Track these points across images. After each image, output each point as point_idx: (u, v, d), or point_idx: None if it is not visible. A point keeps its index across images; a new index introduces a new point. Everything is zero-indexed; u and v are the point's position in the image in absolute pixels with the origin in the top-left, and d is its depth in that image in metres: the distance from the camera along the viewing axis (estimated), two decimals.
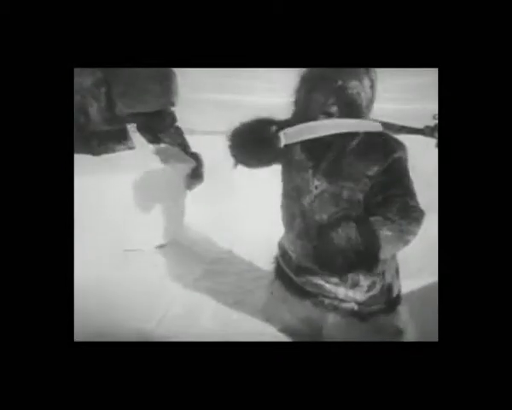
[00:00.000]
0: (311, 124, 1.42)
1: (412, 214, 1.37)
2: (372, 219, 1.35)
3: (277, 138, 1.44)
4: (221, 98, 4.08)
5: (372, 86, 1.40)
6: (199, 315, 1.76)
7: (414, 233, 1.39)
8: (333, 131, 1.42)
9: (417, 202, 1.41)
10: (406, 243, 1.42)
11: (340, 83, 1.36)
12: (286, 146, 1.46)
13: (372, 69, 1.40)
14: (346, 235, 1.34)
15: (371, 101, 1.42)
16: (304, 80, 1.44)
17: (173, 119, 2.54)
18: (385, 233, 1.33)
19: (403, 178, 1.41)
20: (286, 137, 1.44)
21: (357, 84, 1.37)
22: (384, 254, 1.36)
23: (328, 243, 1.35)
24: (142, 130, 2.47)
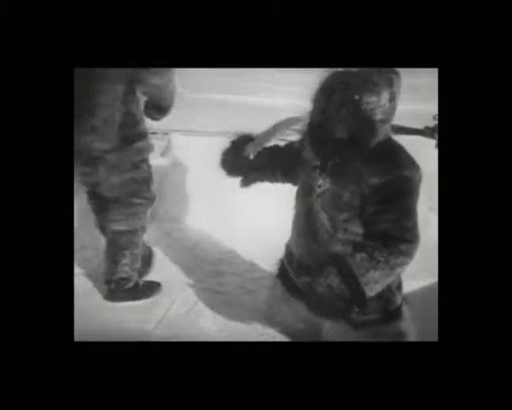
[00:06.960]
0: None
1: (401, 247, 1.33)
2: (358, 257, 1.33)
3: (247, 152, 1.55)
4: (221, 98, 4.08)
5: (392, 99, 1.34)
6: (199, 316, 1.76)
7: (405, 263, 1.37)
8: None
9: (414, 225, 1.36)
10: (397, 275, 1.42)
11: (356, 97, 1.31)
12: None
13: (394, 82, 1.34)
14: (327, 284, 1.36)
15: (390, 113, 1.36)
16: (325, 84, 1.39)
17: None
18: (371, 275, 1.32)
19: (404, 197, 1.36)
20: (252, 149, 1.54)
21: (374, 99, 1.31)
22: (372, 292, 1.36)
23: (312, 292, 1.39)
24: None
